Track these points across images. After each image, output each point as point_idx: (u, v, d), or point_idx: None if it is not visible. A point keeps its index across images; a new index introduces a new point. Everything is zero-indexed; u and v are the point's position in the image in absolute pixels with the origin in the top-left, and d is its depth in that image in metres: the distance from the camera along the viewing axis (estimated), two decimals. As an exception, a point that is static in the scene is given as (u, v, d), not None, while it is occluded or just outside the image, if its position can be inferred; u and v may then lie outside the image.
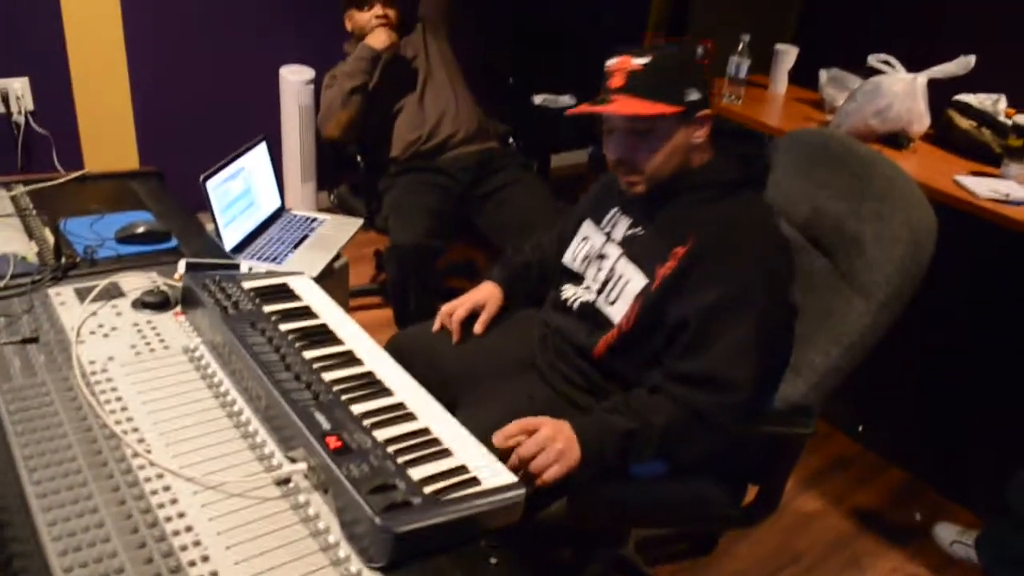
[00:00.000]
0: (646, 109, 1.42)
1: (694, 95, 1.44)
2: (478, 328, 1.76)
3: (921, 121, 2.53)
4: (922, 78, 2.49)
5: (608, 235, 1.61)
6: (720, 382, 1.38)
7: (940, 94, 2.57)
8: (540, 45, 3.94)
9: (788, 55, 2.98)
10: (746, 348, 1.39)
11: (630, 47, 1.47)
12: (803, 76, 3.04)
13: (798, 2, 3.99)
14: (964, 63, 2.41)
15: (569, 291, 1.65)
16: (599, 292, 1.57)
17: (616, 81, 1.44)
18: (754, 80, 2.99)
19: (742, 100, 2.85)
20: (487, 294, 1.79)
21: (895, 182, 1.54)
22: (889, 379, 2.55)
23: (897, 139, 2.53)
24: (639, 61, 1.43)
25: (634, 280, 1.50)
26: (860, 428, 2.62)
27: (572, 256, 1.69)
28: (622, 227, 1.59)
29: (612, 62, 1.47)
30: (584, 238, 1.68)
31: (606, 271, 1.57)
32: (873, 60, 2.58)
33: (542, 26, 4.16)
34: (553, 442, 1.32)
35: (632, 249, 1.54)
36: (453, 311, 1.76)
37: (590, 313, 1.57)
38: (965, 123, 2.53)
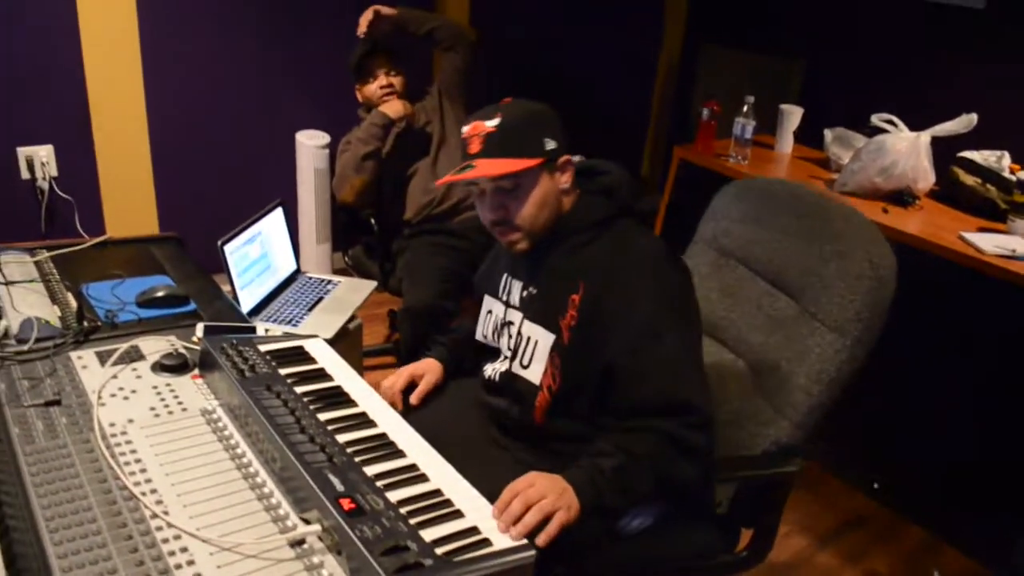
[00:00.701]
0: (507, 168, 1.44)
1: (551, 144, 1.46)
2: (414, 400, 1.69)
3: (926, 178, 2.57)
4: (925, 136, 2.53)
5: (506, 302, 1.60)
6: (676, 406, 1.39)
7: (944, 151, 2.61)
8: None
9: (793, 115, 3.04)
10: (681, 366, 1.42)
11: (483, 111, 1.51)
12: (808, 135, 3.09)
13: (801, 63, 4.05)
14: (966, 121, 2.45)
15: (489, 368, 1.63)
16: (511, 359, 1.55)
17: (474, 147, 1.47)
18: (760, 140, 3.04)
19: (748, 160, 2.89)
20: (426, 366, 1.75)
21: (851, 220, 1.63)
22: (904, 435, 2.55)
23: (902, 197, 2.56)
24: (491, 123, 1.46)
25: (542, 339, 1.49)
26: (875, 485, 2.60)
27: (482, 333, 1.68)
28: (516, 291, 1.59)
29: (466, 129, 1.50)
30: (488, 311, 1.67)
31: (514, 337, 1.56)
32: (876, 119, 2.62)
33: (550, 90, 4.25)
34: (547, 494, 1.24)
35: (531, 310, 1.54)
36: (392, 384, 1.70)
37: (508, 382, 1.55)
38: (970, 180, 2.57)
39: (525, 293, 1.56)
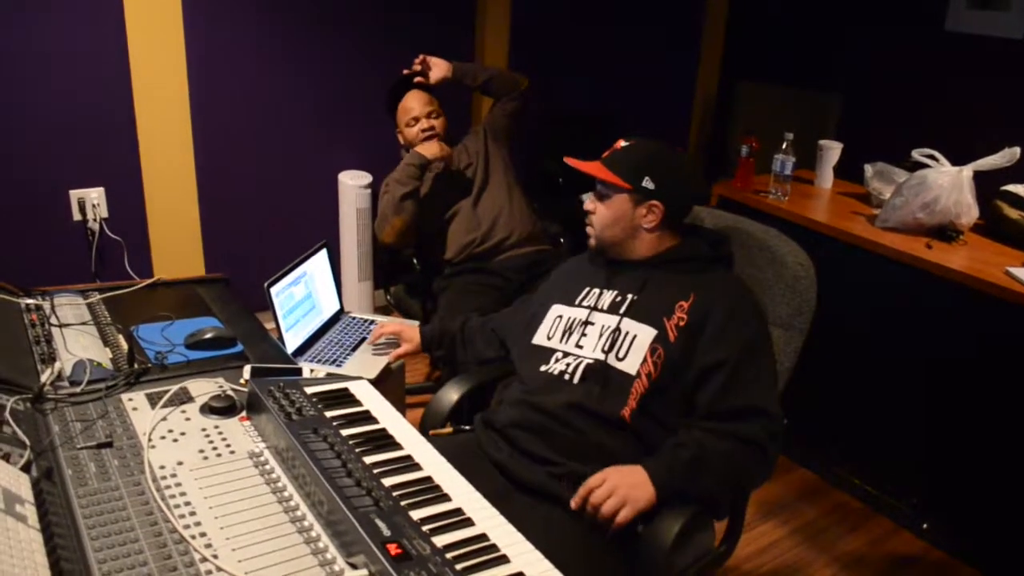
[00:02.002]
0: (604, 175, 1.76)
1: (649, 184, 1.73)
2: (390, 357, 2.15)
3: (969, 213, 2.54)
4: (968, 171, 2.51)
5: (591, 307, 1.78)
6: (761, 411, 1.58)
7: (987, 185, 2.59)
8: (586, 147, 4.05)
9: (833, 151, 3.02)
10: (770, 380, 1.66)
11: (632, 134, 1.83)
12: (847, 170, 3.07)
13: (838, 98, 4.05)
14: (1009, 155, 2.43)
15: (556, 365, 1.74)
16: (606, 351, 1.69)
17: (606, 153, 1.80)
18: (800, 176, 3.03)
19: (788, 196, 2.88)
20: (410, 334, 2.13)
21: (770, 232, 1.88)
22: (954, 474, 2.50)
23: (946, 232, 2.53)
24: (625, 144, 1.80)
25: (642, 334, 1.67)
26: (924, 526, 2.55)
27: (545, 335, 1.82)
28: (608, 298, 1.77)
29: (617, 142, 1.81)
30: (558, 316, 1.82)
31: (605, 335, 1.71)
32: (917, 154, 2.60)
33: (586, 128, 4.29)
34: (619, 488, 1.48)
35: (633, 309, 1.71)
36: (382, 329, 2.16)
37: (599, 372, 1.68)
38: (1014, 213, 2.53)
39: (621, 299, 1.75)
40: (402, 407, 2.40)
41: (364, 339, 2.30)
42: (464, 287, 2.75)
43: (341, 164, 3.62)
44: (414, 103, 2.91)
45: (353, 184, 3.52)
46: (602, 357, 1.69)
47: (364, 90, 3.56)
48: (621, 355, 1.68)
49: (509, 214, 2.88)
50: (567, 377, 1.71)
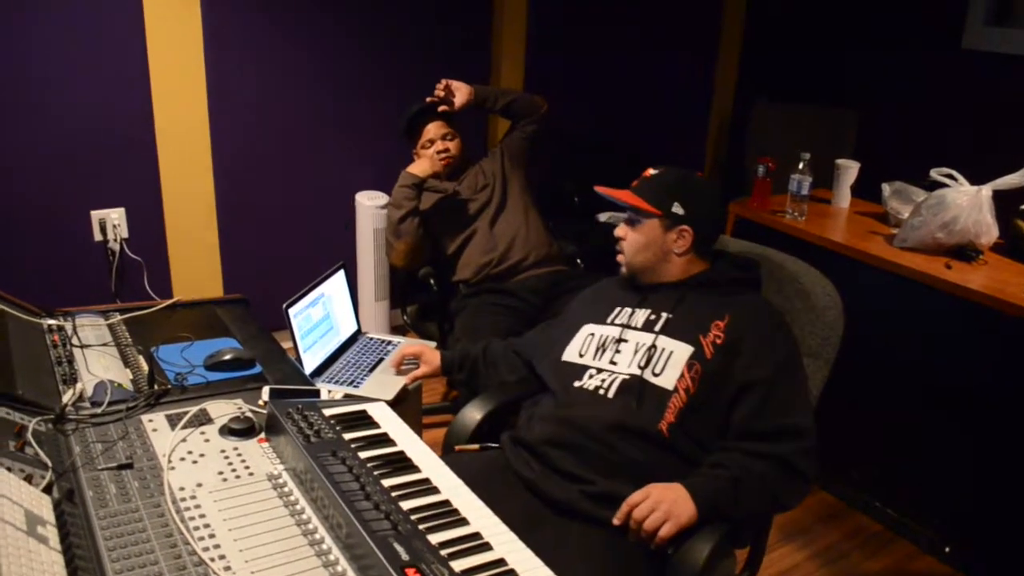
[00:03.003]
0: (634, 201, 1.82)
1: (679, 209, 1.80)
2: (407, 379, 2.15)
3: (989, 233, 2.53)
4: (987, 190, 2.49)
5: (624, 325, 1.82)
6: (797, 430, 1.61)
7: (1007, 204, 2.57)
8: (603, 169, 4.06)
9: (850, 170, 3.01)
10: (805, 400, 1.69)
11: (661, 165, 1.90)
12: (864, 188, 3.06)
13: (854, 116, 4.04)
14: (1029, 174, 2.42)
15: (590, 381, 1.75)
16: (642, 367, 1.71)
17: (635, 182, 1.87)
18: (816, 195, 3.03)
19: (805, 216, 2.87)
20: (431, 356, 2.13)
21: (799, 263, 1.91)
22: (977, 498, 2.47)
23: (965, 252, 2.52)
24: (653, 172, 1.87)
25: (679, 350, 1.70)
26: (947, 550, 2.52)
27: (577, 352, 1.84)
28: (641, 316, 1.81)
29: (645, 170, 1.89)
30: (589, 334, 1.85)
31: (640, 351, 1.74)
32: (935, 174, 2.59)
33: (601, 148, 4.30)
34: (661, 503, 1.50)
35: (668, 327, 1.75)
36: (399, 355, 2.17)
37: (635, 387, 1.69)
38: (1035, 233, 2.52)
39: (655, 317, 1.79)
40: (419, 428, 2.40)
41: (381, 360, 2.30)
42: (481, 308, 2.76)
43: (358, 184, 3.64)
44: (429, 126, 2.95)
45: (370, 204, 3.54)
46: (638, 372, 1.71)
47: (379, 111, 3.59)
48: (658, 371, 1.70)
49: (526, 235, 2.89)
50: (602, 392, 1.72)
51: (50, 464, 1.26)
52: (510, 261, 2.84)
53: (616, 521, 1.54)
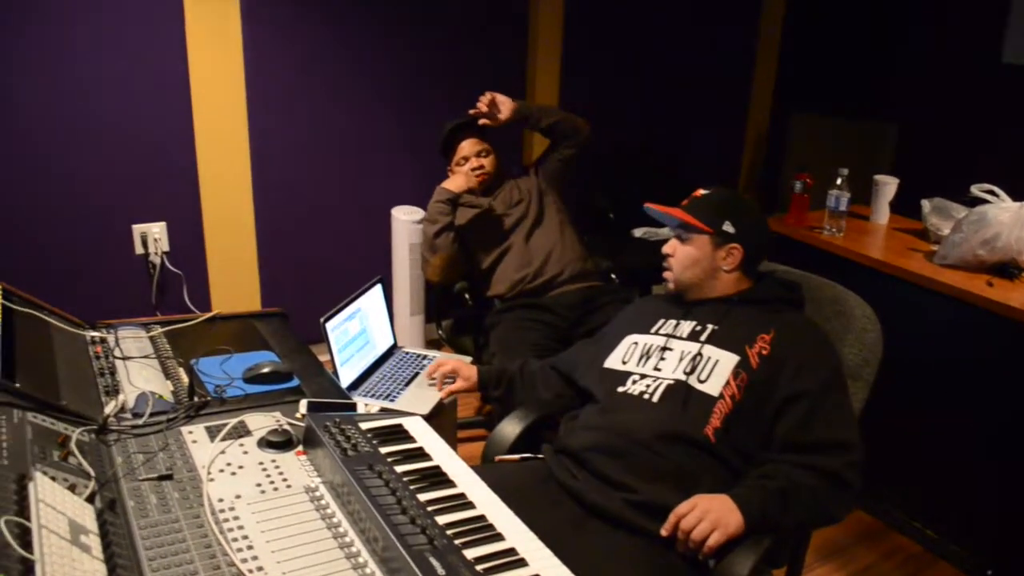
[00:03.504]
0: (684, 217, 1.86)
1: (729, 228, 1.84)
2: (443, 393, 2.15)
3: (1031, 250, 2.49)
4: (1029, 207, 2.46)
5: (669, 335, 1.85)
6: (843, 443, 1.61)
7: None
8: (639, 182, 4.06)
9: (888, 186, 2.98)
10: (850, 413, 1.70)
11: (710, 185, 1.95)
12: (903, 204, 3.03)
13: (894, 129, 4.00)
14: (1073, 191, 2.38)
15: (634, 386, 1.77)
16: (687, 373, 1.73)
17: (685, 201, 1.91)
18: (855, 211, 3.00)
19: (843, 232, 2.85)
20: (468, 372, 2.13)
21: (836, 287, 1.92)
22: (1021, 520, 2.42)
23: (1007, 269, 2.48)
24: (704, 192, 1.91)
25: (724, 359, 1.72)
26: (989, 573, 2.47)
27: (620, 359, 1.87)
28: (686, 327, 1.84)
29: (696, 190, 1.93)
30: (633, 343, 1.88)
31: (687, 358, 1.76)
32: (976, 190, 2.56)
33: (636, 161, 4.30)
34: (709, 512, 1.50)
35: (714, 337, 1.78)
36: (439, 366, 2.15)
37: (680, 393, 1.71)
38: (1079, 251, 2.47)
39: (700, 328, 1.82)
40: (454, 442, 2.40)
41: (417, 374, 2.32)
42: (516, 323, 2.76)
43: (394, 199, 3.68)
44: (464, 143, 2.95)
45: (406, 219, 3.56)
46: (683, 378, 1.73)
47: (416, 127, 3.62)
48: (703, 378, 1.72)
49: (561, 251, 2.89)
50: (647, 397, 1.74)
51: (93, 474, 1.28)
52: (545, 276, 2.84)
53: (664, 532, 1.54)
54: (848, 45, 4.52)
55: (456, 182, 2.86)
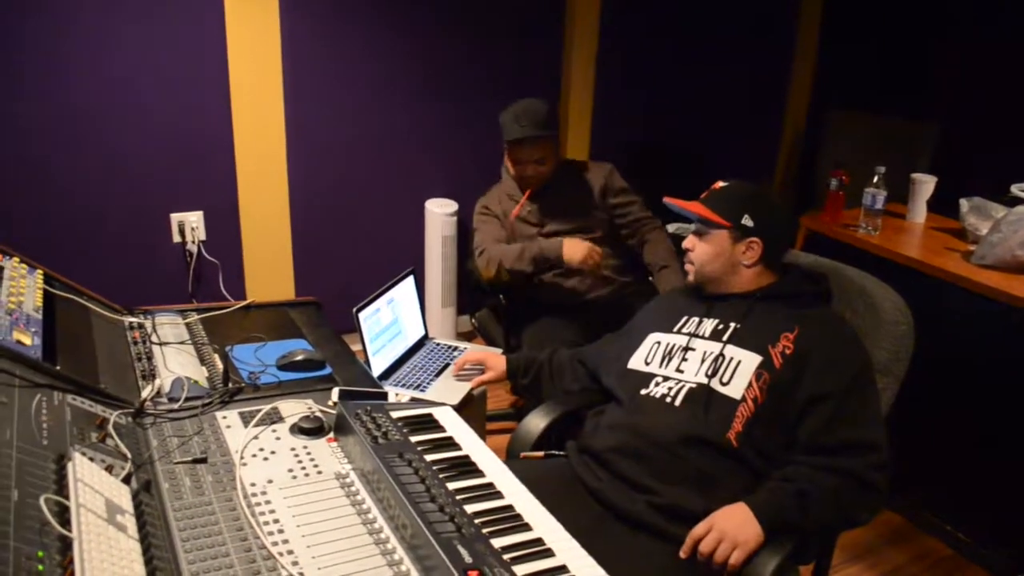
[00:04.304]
0: (703, 212, 1.83)
1: (748, 221, 1.80)
2: (472, 383, 2.18)
3: (1073, 251, 2.45)
4: (1071, 208, 2.42)
5: (691, 334, 1.82)
6: (868, 444, 1.58)
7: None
8: (673, 177, 4.04)
9: (926, 185, 2.95)
10: (876, 414, 1.66)
11: (729, 179, 1.93)
12: (941, 203, 2.99)
13: (933, 127, 3.93)
14: (1116, 192, 2.33)
15: (657, 389, 1.76)
16: (709, 376, 1.72)
17: (704, 194, 1.89)
18: (891, 209, 2.96)
19: (879, 231, 2.82)
20: (496, 362, 2.13)
21: (867, 279, 1.87)
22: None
23: (1048, 270, 2.44)
24: (722, 184, 1.90)
25: (746, 359, 1.70)
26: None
27: (643, 360, 1.86)
28: (709, 325, 1.82)
29: (715, 183, 1.91)
30: (656, 343, 1.87)
31: (709, 359, 1.74)
32: (1016, 189, 2.53)
33: (670, 157, 4.28)
34: (726, 532, 1.49)
35: (736, 337, 1.75)
36: (466, 359, 2.18)
37: (702, 397, 1.70)
38: (1122, 253, 2.42)
39: (723, 326, 1.79)
40: (483, 434, 2.41)
41: (448, 365, 2.33)
42: (549, 319, 2.74)
43: (428, 192, 3.69)
44: (526, 142, 2.70)
45: (440, 212, 3.58)
46: (705, 381, 1.72)
47: (451, 120, 3.64)
48: (725, 380, 1.70)
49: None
50: (669, 400, 1.73)
51: (129, 456, 1.31)
52: (580, 286, 2.80)
53: (682, 554, 1.54)
54: (887, 42, 4.45)
55: (579, 252, 2.61)
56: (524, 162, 2.75)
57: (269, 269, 3.43)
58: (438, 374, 2.28)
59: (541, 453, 1.87)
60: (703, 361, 1.76)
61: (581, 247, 2.63)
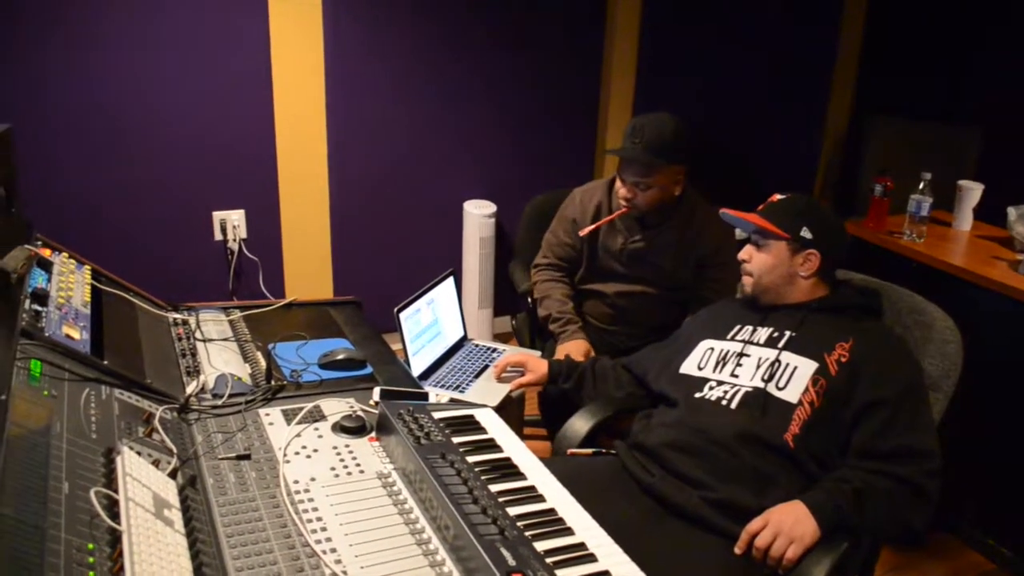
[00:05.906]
0: (761, 223, 1.85)
1: (807, 233, 1.82)
2: (512, 385, 2.17)
3: (1123, 261, 2.39)
4: (1122, 216, 2.36)
5: (746, 340, 1.84)
6: (922, 451, 1.59)
7: None
8: (713, 179, 4.01)
9: (973, 192, 2.89)
10: (929, 422, 1.67)
11: (787, 189, 1.96)
12: (987, 210, 2.93)
13: (978, 132, 3.86)
14: None
15: (712, 392, 1.77)
16: (765, 380, 1.73)
17: (761, 206, 1.90)
18: (936, 217, 2.91)
19: (924, 239, 2.77)
20: (536, 364, 2.15)
21: (916, 297, 1.89)
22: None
23: (1098, 281, 2.39)
24: (780, 197, 1.91)
25: (802, 365, 1.72)
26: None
27: (696, 365, 1.88)
28: (763, 333, 1.83)
29: (772, 196, 1.92)
30: (709, 349, 1.88)
31: (765, 364, 1.76)
32: (1067, 199, 2.47)
33: (715, 164, 4.24)
34: (782, 526, 1.50)
35: (792, 344, 1.77)
36: (507, 361, 2.20)
37: (758, 400, 1.71)
38: None
39: (778, 334, 1.81)
40: (520, 437, 2.40)
41: (487, 366, 2.33)
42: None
43: (467, 193, 3.70)
44: (632, 166, 2.45)
45: (477, 213, 3.59)
46: (761, 385, 1.73)
47: (490, 123, 3.64)
48: (781, 384, 1.72)
49: (643, 318, 2.63)
50: (725, 403, 1.74)
51: (175, 451, 1.32)
52: (618, 329, 2.67)
53: (737, 550, 1.54)
54: (932, 47, 4.38)
55: (580, 351, 2.44)
56: (626, 182, 2.47)
57: (308, 268, 3.46)
58: (477, 375, 2.28)
59: (590, 451, 1.87)
60: (759, 366, 1.77)
61: (581, 345, 2.47)
